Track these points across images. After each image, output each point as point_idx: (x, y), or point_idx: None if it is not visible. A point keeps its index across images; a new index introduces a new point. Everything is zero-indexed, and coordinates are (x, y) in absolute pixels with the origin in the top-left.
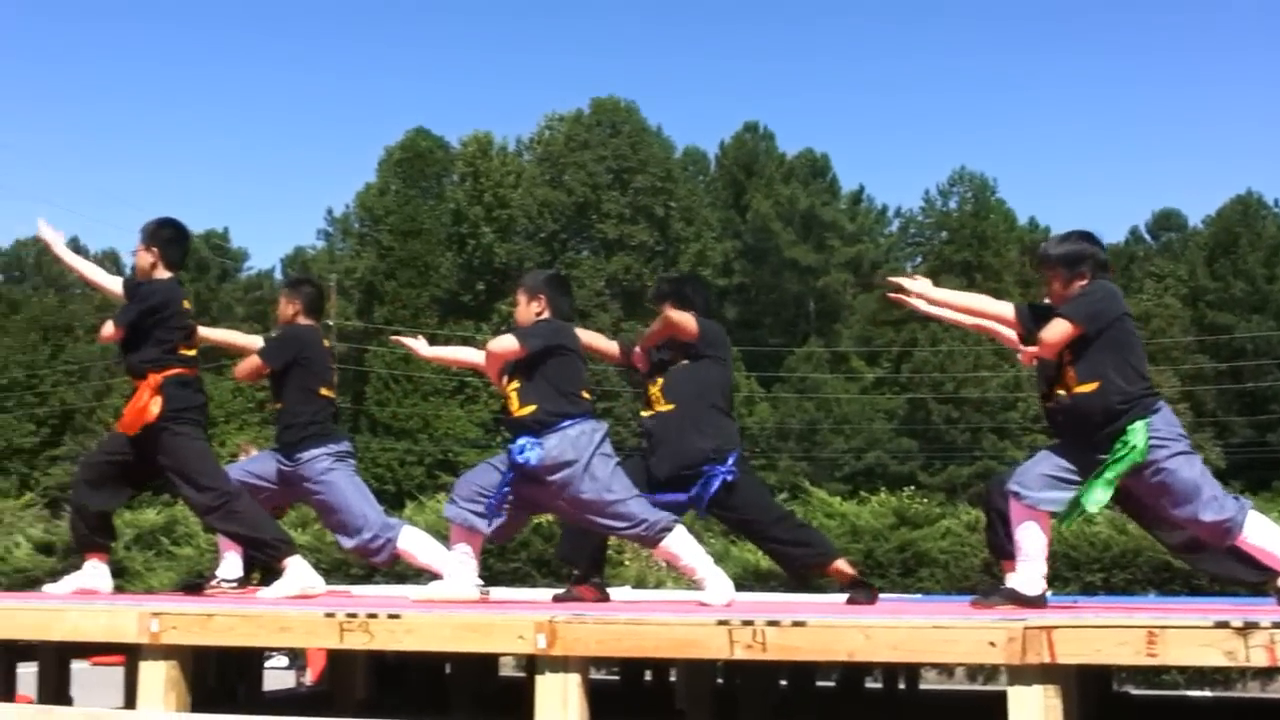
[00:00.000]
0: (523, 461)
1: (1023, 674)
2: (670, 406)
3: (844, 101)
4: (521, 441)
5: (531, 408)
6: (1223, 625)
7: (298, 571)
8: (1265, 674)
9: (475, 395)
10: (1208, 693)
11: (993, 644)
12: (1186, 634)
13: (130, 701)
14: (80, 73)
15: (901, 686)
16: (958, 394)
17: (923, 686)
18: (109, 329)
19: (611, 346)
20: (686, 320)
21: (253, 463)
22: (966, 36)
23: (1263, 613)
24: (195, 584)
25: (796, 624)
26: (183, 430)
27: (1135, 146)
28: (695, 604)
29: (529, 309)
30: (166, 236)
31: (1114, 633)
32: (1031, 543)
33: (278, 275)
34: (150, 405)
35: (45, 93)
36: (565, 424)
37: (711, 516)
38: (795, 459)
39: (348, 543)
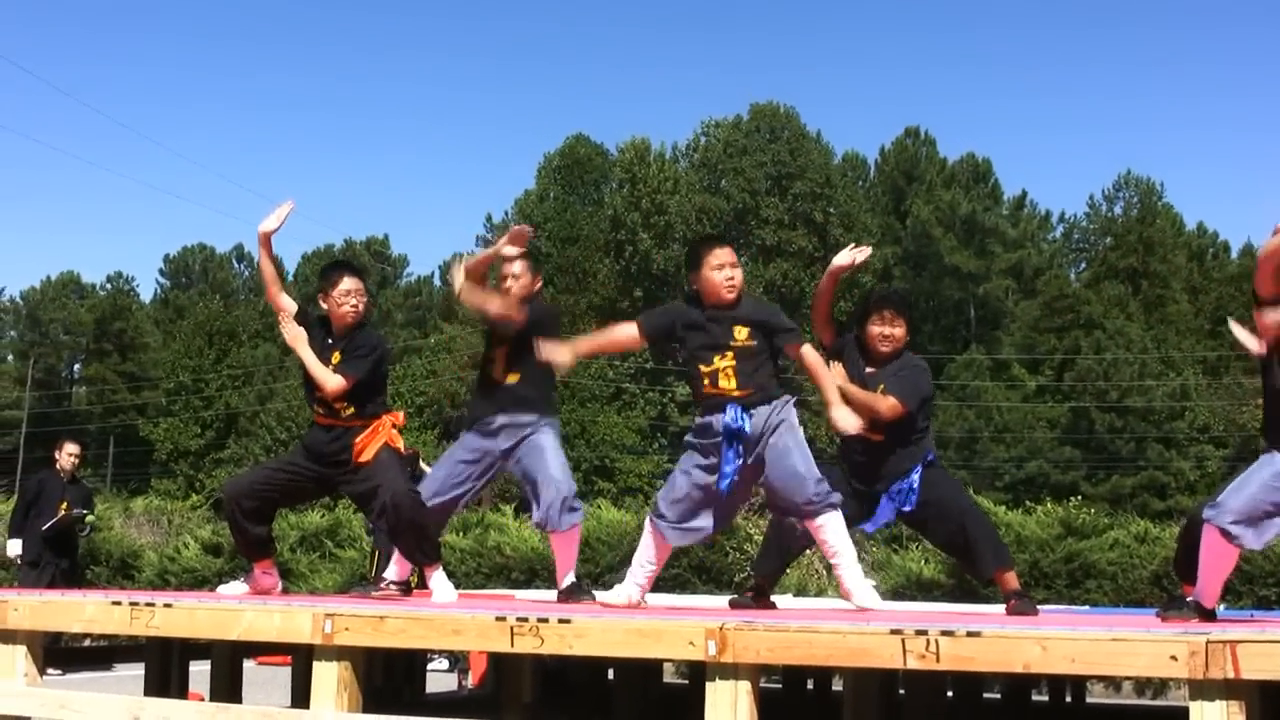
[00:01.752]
0: (738, 427)
1: (1205, 689)
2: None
3: (1007, 105)
4: (731, 411)
5: (748, 391)
6: None
7: (440, 581)
8: None
9: (632, 401)
10: None
11: (1174, 658)
12: None
13: (300, 700)
14: (249, 82)
15: (1068, 699)
16: (1121, 403)
17: (1089, 700)
18: (338, 382)
19: None
20: None
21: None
22: (1131, 37)
23: None
24: (360, 585)
25: (971, 634)
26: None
27: None
28: (862, 611)
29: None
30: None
31: None
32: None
33: (436, 282)
34: (390, 439)
35: (218, 100)
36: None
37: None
38: (955, 467)
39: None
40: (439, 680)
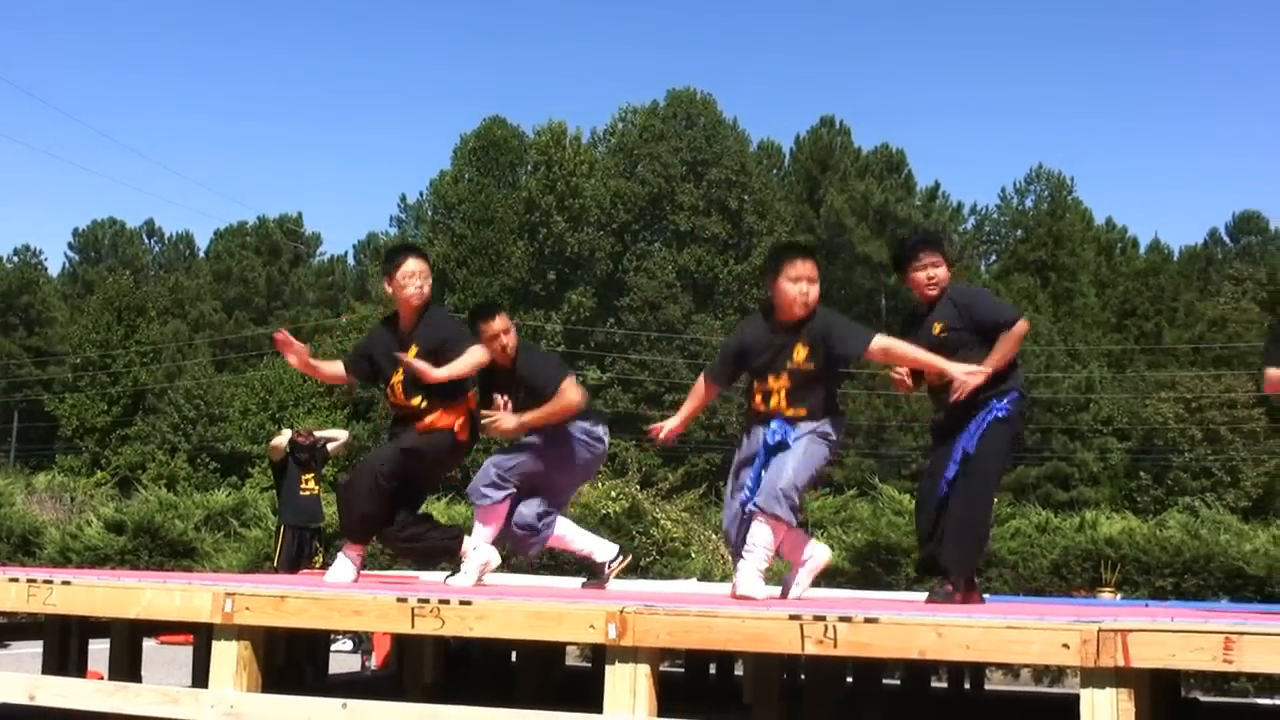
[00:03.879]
0: (775, 441)
1: (1096, 677)
2: None
3: (921, 97)
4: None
5: (799, 410)
6: None
7: (342, 561)
8: None
9: None
10: (1279, 701)
11: (1067, 646)
12: (1266, 641)
13: (200, 680)
14: (156, 53)
15: (967, 687)
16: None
17: (988, 687)
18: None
19: None
20: None
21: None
22: (1046, 32)
23: None
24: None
25: (869, 620)
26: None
27: (1216, 147)
28: (768, 598)
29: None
30: None
31: (1190, 638)
32: None
33: (350, 261)
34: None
35: (124, 71)
36: None
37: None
38: (863, 455)
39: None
40: (344, 661)
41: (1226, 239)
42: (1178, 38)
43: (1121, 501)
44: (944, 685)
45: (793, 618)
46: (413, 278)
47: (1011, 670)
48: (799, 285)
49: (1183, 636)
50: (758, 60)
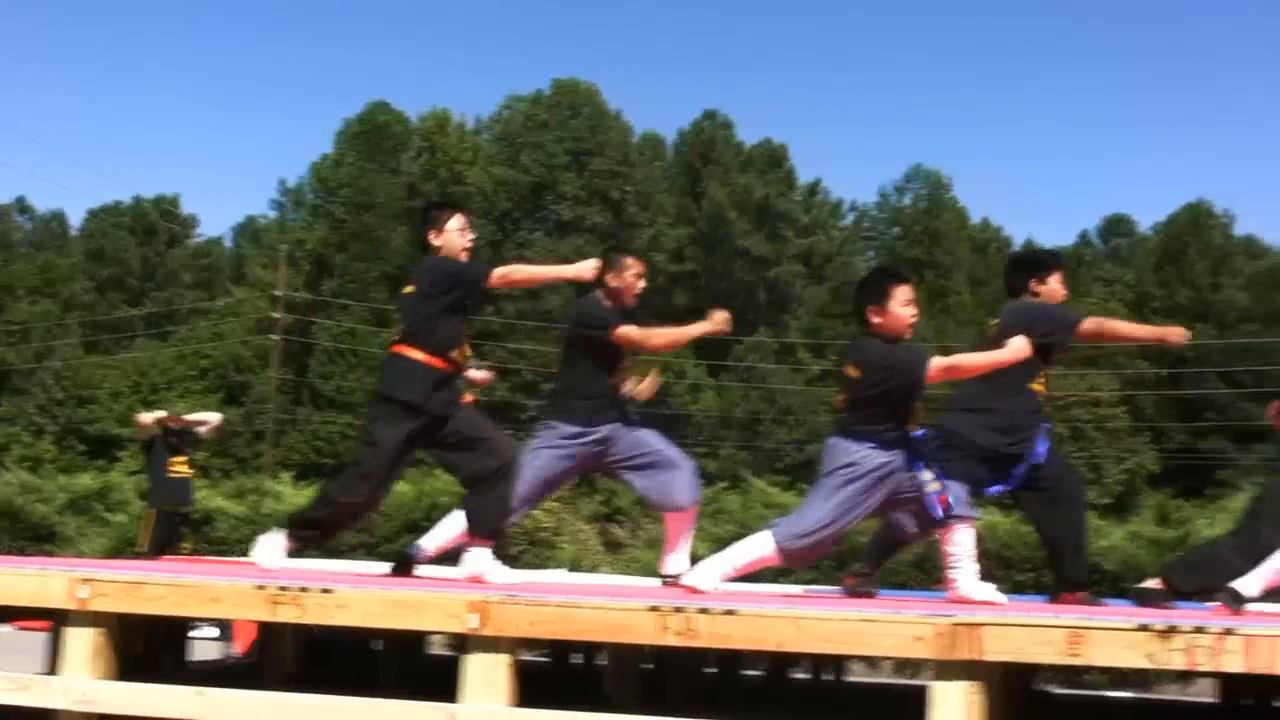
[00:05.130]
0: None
1: (947, 669)
2: None
3: (804, 94)
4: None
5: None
6: (1144, 628)
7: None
8: (1184, 677)
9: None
10: (1128, 694)
11: (920, 639)
12: (1109, 635)
13: (53, 667)
14: (34, 26)
15: (828, 678)
16: None
17: (849, 679)
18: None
19: None
20: None
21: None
22: (925, 34)
23: (1183, 617)
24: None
25: (728, 612)
26: None
27: (1088, 150)
28: (629, 588)
29: None
30: None
31: (1039, 632)
32: None
33: (227, 244)
34: None
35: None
36: None
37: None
38: (737, 448)
39: None
40: (208, 649)
41: (1096, 240)
42: (1049, 40)
43: (985, 497)
44: (806, 676)
45: (653, 609)
46: (464, 233)
47: (873, 662)
48: (910, 309)
49: (1032, 631)
50: (643, 52)
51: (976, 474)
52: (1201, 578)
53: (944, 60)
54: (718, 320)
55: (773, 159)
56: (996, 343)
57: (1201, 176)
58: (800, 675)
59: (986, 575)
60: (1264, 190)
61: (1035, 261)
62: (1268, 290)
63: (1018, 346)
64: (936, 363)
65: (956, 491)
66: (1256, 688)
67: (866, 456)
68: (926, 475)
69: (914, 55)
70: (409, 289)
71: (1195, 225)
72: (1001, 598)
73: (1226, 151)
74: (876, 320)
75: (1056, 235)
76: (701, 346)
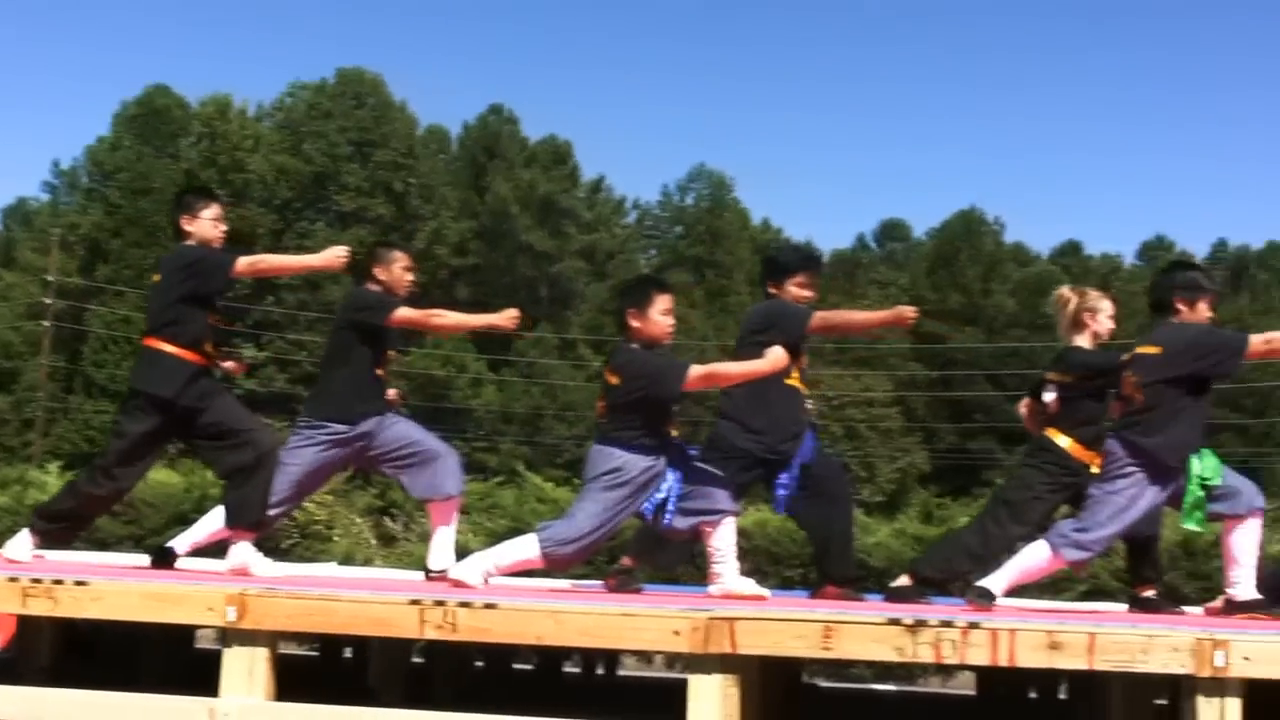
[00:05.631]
0: None
1: (703, 663)
2: None
3: (590, 91)
4: None
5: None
6: (894, 622)
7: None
8: (945, 670)
9: None
10: (892, 687)
11: (677, 633)
12: (860, 629)
13: None
14: None
15: (600, 672)
16: None
17: (621, 673)
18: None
19: None
20: None
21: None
22: (710, 35)
23: (932, 612)
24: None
25: (488, 606)
26: None
27: (868, 155)
28: (394, 582)
29: None
30: None
31: (793, 626)
32: None
33: None
34: None
35: None
36: None
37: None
38: (518, 443)
39: None
40: None
41: (873, 244)
42: (830, 45)
43: (760, 494)
44: (577, 670)
45: (413, 602)
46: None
47: (647, 657)
48: (669, 318)
49: (786, 625)
50: (429, 44)
51: (742, 478)
52: (944, 565)
53: (728, 62)
54: (506, 316)
55: (557, 155)
56: (744, 347)
57: (974, 185)
58: (572, 669)
59: (756, 571)
60: (1032, 200)
61: (775, 265)
62: (1034, 296)
63: (775, 357)
64: (695, 371)
65: (718, 493)
66: (1011, 680)
67: (629, 462)
68: (683, 479)
69: (699, 56)
70: (155, 278)
71: (968, 232)
72: (764, 592)
73: (998, 161)
74: (635, 324)
75: (835, 238)
76: (483, 341)
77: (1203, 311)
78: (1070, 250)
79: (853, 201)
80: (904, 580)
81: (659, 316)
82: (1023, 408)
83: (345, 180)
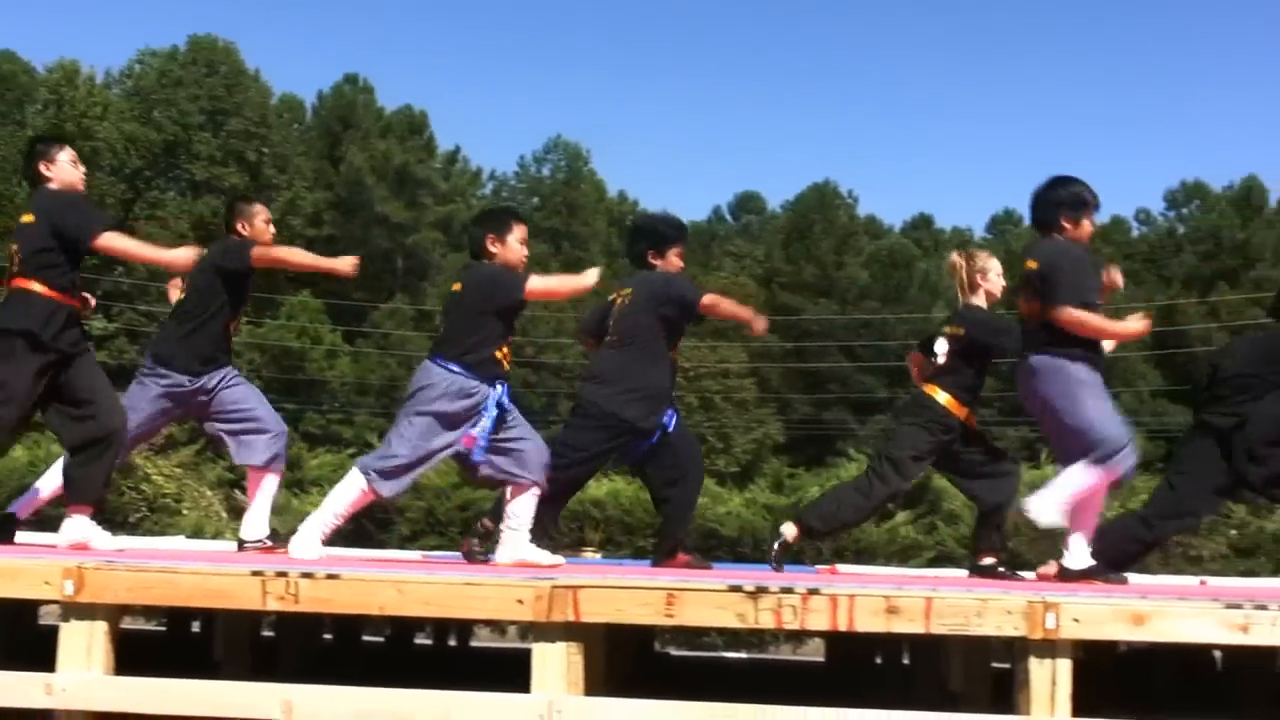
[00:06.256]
0: None
1: (547, 631)
2: None
3: (446, 61)
4: None
5: None
6: (735, 589)
7: None
8: (796, 638)
9: None
10: (744, 654)
11: (521, 601)
12: (702, 596)
13: None
14: None
15: (453, 643)
16: (537, 359)
17: (475, 643)
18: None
19: None
20: None
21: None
22: (566, 3)
23: (773, 579)
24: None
25: (330, 576)
26: None
27: (722, 128)
28: (233, 554)
29: None
30: None
31: (636, 594)
32: None
33: None
34: None
35: None
36: None
37: None
38: (375, 415)
39: None
40: None
41: (728, 217)
42: (685, 18)
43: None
44: (429, 642)
45: (255, 574)
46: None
47: (500, 628)
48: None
49: (629, 593)
50: (283, 12)
51: (606, 446)
52: (829, 516)
53: (584, 32)
54: (347, 262)
55: (413, 125)
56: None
57: (828, 159)
58: (425, 641)
59: (610, 541)
60: (885, 174)
61: (658, 236)
62: (886, 269)
63: (589, 277)
64: (536, 282)
65: (534, 459)
66: (858, 646)
67: (444, 381)
68: (505, 424)
69: (554, 26)
70: (27, 218)
71: (822, 205)
72: (558, 559)
73: (852, 135)
74: (494, 249)
75: (691, 210)
76: (337, 313)
77: (1086, 228)
78: (922, 223)
79: (708, 174)
80: (787, 530)
81: (516, 244)
82: (911, 360)
83: (197, 149)
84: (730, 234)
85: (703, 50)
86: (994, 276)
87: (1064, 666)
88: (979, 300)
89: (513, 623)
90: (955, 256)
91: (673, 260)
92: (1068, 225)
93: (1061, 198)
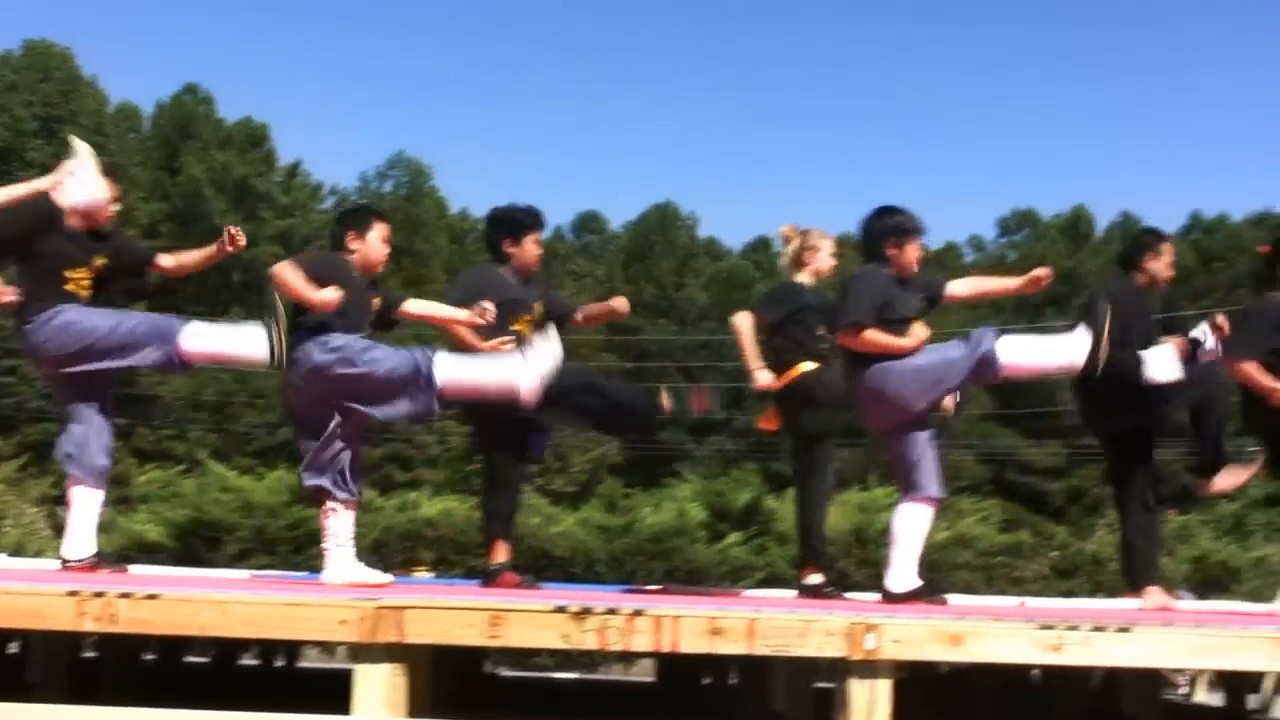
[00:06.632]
0: None
1: (370, 652)
2: None
3: (288, 74)
4: None
5: None
6: (560, 610)
7: None
8: (627, 658)
9: None
10: (574, 675)
11: (344, 622)
12: (527, 617)
13: None
14: None
15: (280, 664)
16: None
17: (303, 664)
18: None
19: None
20: None
21: None
22: (410, 18)
23: (599, 599)
24: None
25: (150, 597)
26: None
27: (563, 148)
28: (56, 573)
29: None
30: None
31: (461, 614)
32: None
33: None
34: None
35: None
36: None
37: None
38: (209, 430)
39: None
40: None
41: (569, 235)
42: (524, 40)
43: (458, 484)
44: (256, 662)
45: (71, 593)
46: None
47: (329, 648)
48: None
49: (455, 614)
50: (121, 19)
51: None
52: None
53: (429, 49)
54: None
55: (253, 137)
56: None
57: (669, 181)
58: (251, 662)
59: (444, 560)
60: (723, 196)
61: (513, 223)
62: (726, 289)
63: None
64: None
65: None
66: (686, 666)
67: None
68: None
69: (398, 42)
70: None
71: (663, 226)
72: (386, 578)
73: (693, 158)
74: (354, 246)
75: None
76: None
77: (911, 254)
78: (761, 246)
79: (550, 193)
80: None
81: (377, 243)
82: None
83: (30, 156)
84: (571, 253)
85: (545, 68)
86: (824, 255)
87: (884, 687)
88: (804, 277)
89: (338, 644)
90: (787, 229)
91: (529, 247)
92: (893, 253)
93: (886, 226)
